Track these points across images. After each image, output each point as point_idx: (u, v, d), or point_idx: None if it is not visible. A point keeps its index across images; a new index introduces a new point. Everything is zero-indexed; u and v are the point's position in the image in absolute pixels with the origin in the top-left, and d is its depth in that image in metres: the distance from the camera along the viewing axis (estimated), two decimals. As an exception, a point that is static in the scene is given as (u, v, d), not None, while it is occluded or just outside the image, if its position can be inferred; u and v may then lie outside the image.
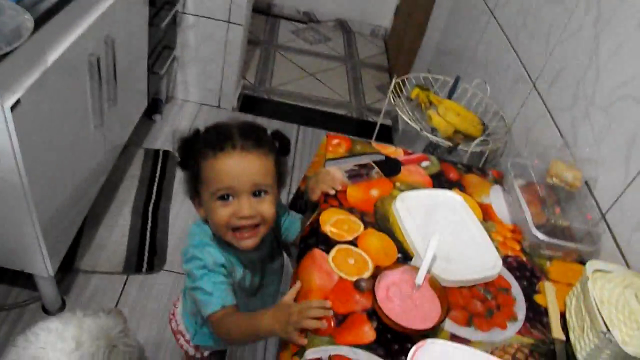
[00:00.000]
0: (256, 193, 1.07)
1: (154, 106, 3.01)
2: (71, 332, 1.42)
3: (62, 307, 2.01)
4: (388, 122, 3.21)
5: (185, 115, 3.16)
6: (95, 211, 2.35)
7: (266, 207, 1.08)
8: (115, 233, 2.33)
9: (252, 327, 1.04)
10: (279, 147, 1.15)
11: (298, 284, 1.07)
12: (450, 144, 1.72)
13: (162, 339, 1.98)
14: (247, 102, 3.41)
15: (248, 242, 1.10)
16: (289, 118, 3.33)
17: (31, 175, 1.50)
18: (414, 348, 0.78)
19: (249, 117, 3.25)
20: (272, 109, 3.42)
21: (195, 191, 1.13)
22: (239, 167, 1.05)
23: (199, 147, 1.08)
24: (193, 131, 1.13)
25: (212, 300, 1.07)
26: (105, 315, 1.50)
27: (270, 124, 3.29)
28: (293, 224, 1.32)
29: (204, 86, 3.18)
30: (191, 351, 1.42)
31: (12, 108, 1.35)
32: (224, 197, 1.06)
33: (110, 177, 2.36)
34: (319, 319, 0.96)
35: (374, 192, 1.31)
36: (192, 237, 1.15)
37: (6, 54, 1.27)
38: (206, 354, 1.43)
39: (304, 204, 1.39)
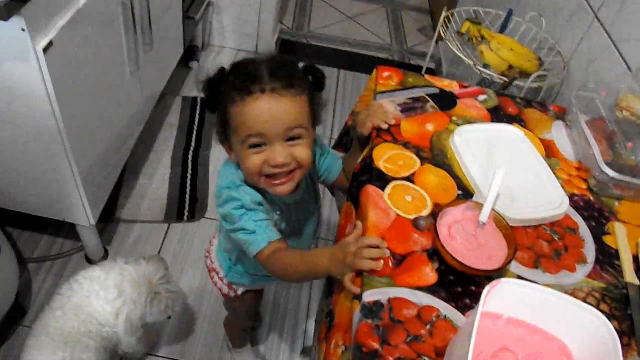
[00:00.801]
0: (290, 137, 0.99)
1: (191, 53, 2.94)
2: (113, 279, 1.42)
3: (105, 257, 2.01)
4: (431, 65, 3.07)
5: (222, 61, 3.08)
6: (134, 160, 2.32)
7: (301, 151, 1.00)
8: (155, 182, 2.30)
9: (309, 266, 0.99)
10: (312, 83, 1.05)
11: (359, 225, 0.99)
12: (505, 79, 1.61)
13: (205, 287, 1.96)
14: (285, 47, 3.32)
15: (283, 188, 1.03)
16: (329, 62, 3.23)
17: (67, 120, 1.46)
18: (487, 287, 0.70)
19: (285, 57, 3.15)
20: (311, 53, 3.33)
21: (224, 136, 1.05)
22: (270, 111, 0.96)
23: (225, 89, 1.00)
24: (217, 70, 1.03)
25: (256, 238, 1.02)
26: (146, 262, 1.49)
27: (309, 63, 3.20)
28: (333, 164, 1.24)
29: (240, 31, 3.09)
30: (225, 289, 1.39)
31: (45, 50, 1.29)
32: (255, 145, 0.98)
33: (148, 126, 2.31)
34: (375, 259, 0.90)
35: (429, 126, 1.22)
36: (223, 178, 1.08)
37: (35, -7, 1.21)
38: (240, 292, 1.39)
39: (350, 140, 1.31)
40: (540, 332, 0.79)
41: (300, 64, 1.06)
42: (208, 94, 1.04)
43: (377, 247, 0.91)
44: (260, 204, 1.04)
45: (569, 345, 0.78)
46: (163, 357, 1.79)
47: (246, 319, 1.72)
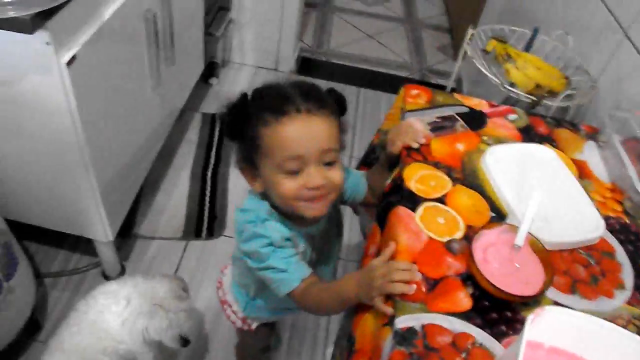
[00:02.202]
0: (325, 162, 0.94)
1: (211, 69, 2.94)
2: (124, 292, 1.39)
3: (122, 273, 1.98)
4: (448, 83, 3.05)
5: (242, 78, 3.07)
6: (153, 176, 2.30)
7: (335, 174, 0.96)
8: (174, 198, 2.28)
9: (337, 294, 0.95)
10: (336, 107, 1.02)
11: (392, 245, 0.95)
12: (532, 98, 1.58)
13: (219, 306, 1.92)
14: (305, 65, 3.30)
15: (320, 209, 0.98)
16: (349, 80, 3.20)
17: (89, 135, 1.44)
18: (531, 316, 0.67)
19: (307, 80, 3.14)
20: (331, 71, 3.31)
21: (250, 162, 0.99)
22: (307, 132, 0.91)
23: (254, 112, 0.95)
24: (240, 95, 0.98)
25: (288, 277, 0.98)
26: (160, 278, 1.46)
27: (329, 86, 3.19)
28: (358, 183, 1.20)
29: (260, 48, 3.09)
30: (238, 323, 1.34)
31: (69, 64, 1.28)
32: (291, 172, 0.93)
33: (167, 142, 2.30)
34: (406, 282, 0.87)
35: (460, 146, 1.19)
36: (246, 213, 1.03)
37: (61, 6, 1.20)
38: (254, 326, 1.35)
39: (376, 158, 1.28)
40: (583, 362, 0.75)
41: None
42: (230, 120, 0.99)
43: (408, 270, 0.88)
44: (288, 239, 1.00)
45: (613, 376, 0.74)
46: (179, 376, 1.75)
47: (257, 352, 1.68)
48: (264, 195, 1.02)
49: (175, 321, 1.41)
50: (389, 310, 0.86)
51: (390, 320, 0.86)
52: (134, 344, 1.39)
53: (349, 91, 3.13)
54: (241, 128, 0.97)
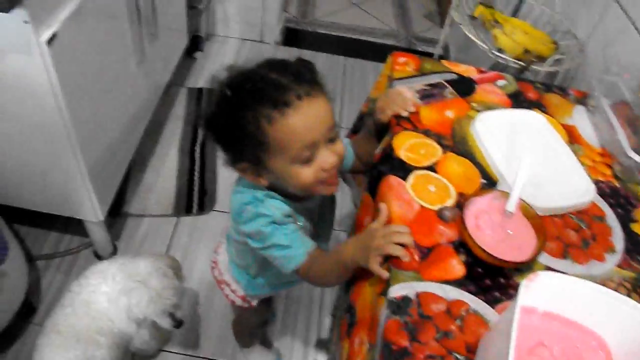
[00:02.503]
0: (330, 136, 0.92)
1: (195, 44, 2.90)
2: (112, 271, 1.39)
3: (114, 252, 1.98)
4: (436, 50, 3.03)
5: (227, 51, 3.04)
6: (141, 154, 2.29)
7: (340, 146, 0.95)
8: (163, 175, 2.27)
9: (337, 261, 0.95)
10: None
11: (384, 210, 0.95)
12: (521, 64, 1.57)
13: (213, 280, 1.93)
14: (290, 36, 3.26)
15: (334, 186, 0.97)
16: (335, 50, 3.18)
17: (73, 114, 1.42)
18: (525, 282, 0.67)
19: (293, 51, 3.11)
20: (317, 42, 3.27)
21: (253, 162, 0.94)
22: (313, 117, 0.88)
23: (247, 109, 0.88)
24: (219, 95, 0.91)
25: (293, 253, 0.96)
26: (146, 256, 1.45)
27: (316, 57, 3.19)
28: (346, 152, 1.15)
29: (244, 20, 3.05)
30: (238, 301, 1.34)
31: (49, 42, 1.26)
32: (306, 160, 0.90)
33: (154, 119, 2.28)
34: (402, 246, 0.87)
35: (450, 113, 1.18)
36: (242, 195, 1.00)
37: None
38: (255, 302, 1.35)
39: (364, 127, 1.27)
40: (577, 326, 0.76)
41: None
42: (216, 125, 0.94)
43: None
44: (289, 215, 0.98)
45: (607, 339, 0.75)
46: (176, 353, 1.76)
47: (256, 325, 1.69)
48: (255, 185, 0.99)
49: (157, 297, 1.40)
50: (385, 273, 0.85)
51: (384, 290, 0.86)
52: (121, 323, 1.39)
53: (335, 61, 3.11)
54: (232, 130, 0.91)
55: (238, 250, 1.21)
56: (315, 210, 1.10)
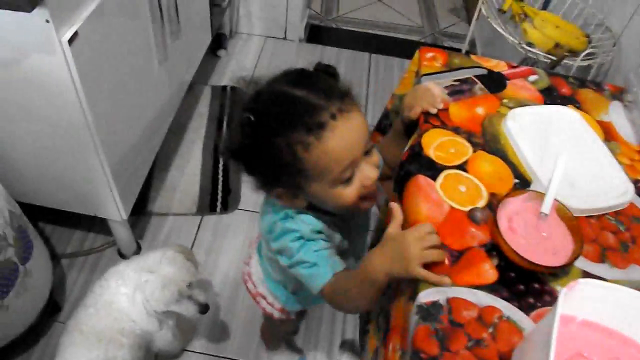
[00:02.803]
0: (367, 149, 0.87)
1: (218, 41, 2.89)
2: (128, 272, 1.38)
3: (138, 251, 1.97)
4: (463, 46, 2.97)
5: (250, 49, 3.02)
6: (164, 152, 2.27)
7: (376, 157, 0.90)
8: (187, 174, 2.26)
9: (364, 279, 0.86)
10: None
11: (398, 210, 0.89)
12: (552, 58, 1.52)
13: (240, 280, 1.90)
14: (314, 33, 3.22)
15: (374, 200, 0.93)
16: (360, 47, 3.13)
17: (96, 113, 1.41)
18: (564, 290, 0.63)
19: (317, 48, 3.08)
20: (341, 38, 3.23)
21: (289, 187, 0.89)
22: (350, 136, 0.83)
23: (278, 136, 0.81)
24: (244, 122, 0.84)
25: (319, 272, 0.91)
26: (156, 250, 1.43)
27: (341, 54, 3.16)
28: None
29: (268, 17, 3.02)
30: (276, 314, 1.29)
31: (70, 41, 1.24)
32: (348, 179, 0.86)
33: (178, 117, 2.27)
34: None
35: (480, 110, 1.14)
36: (273, 214, 0.96)
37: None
38: (292, 315, 1.32)
39: (389, 124, 1.23)
40: (617, 335, 0.72)
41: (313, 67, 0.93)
42: (244, 154, 0.88)
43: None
44: (320, 232, 0.93)
45: (650, 350, 0.71)
46: (199, 353, 1.75)
47: (287, 333, 1.66)
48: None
49: (169, 282, 1.36)
50: (446, 280, 0.81)
51: (413, 295, 0.82)
52: (143, 321, 1.37)
53: (360, 57, 3.07)
54: (264, 159, 0.85)
55: (273, 267, 1.17)
56: (349, 222, 1.04)
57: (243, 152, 0.88)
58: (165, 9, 1.79)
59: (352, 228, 1.05)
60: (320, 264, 0.90)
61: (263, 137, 0.83)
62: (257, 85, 0.87)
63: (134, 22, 1.63)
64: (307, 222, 0.92)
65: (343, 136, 0.81)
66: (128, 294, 1.36)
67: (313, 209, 0.93)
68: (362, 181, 0.87)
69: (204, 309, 1.43)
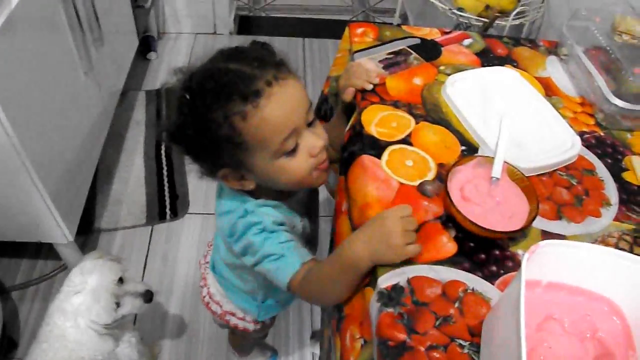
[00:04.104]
0: (309, 119, 0.84)
1: (147, 44, 2.79)
2: (64, 302, 1.30)
3: (91, 271, 1.88)
4: (394, 20, 2.96)
5: (181, 48, 2.93)
6: (105, 165, 2.20)
7: (321, 129, 0.86)
8: (131, 184, 2.18)
9: (348, 267, 0.80)
10: None
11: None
12: (485, 20, 1.51)
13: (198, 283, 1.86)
14: (245, 24, 3.17)
15: (326, 173, 0.88)
16: (292, 32, 3.09)
17: (21, 134, 1.33)
18: (526, 255, 0.61)
19: (249, 39, 3.00)
20: (272, 26, 3.18)
21: (233, 165, 0.85)
22: (289, 101, 0.79)
23: (215, 109, 0.78)
24: (178, 100, 0.81)
25: (287, 262, 0.86)
26: (79, 267, 1.34)
27: (272, 42, 3.05)
28: None
29: (195, 14, 2.94)
30: (251, 327, 1.24)
31: (-19, 61, 1.16)
32: (291, 151, 0.82)
33: (114, 127, 2.19)
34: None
35: (417, 81, 1.11)
36: (230, 214, 0.91)
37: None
38: (268, 321, 1.27)
39: (330, 108, 1.20)
40: (584, 292, 0.70)
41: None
42: (184, 134, 0.82)
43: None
44: (282, 223, 0.89)
45: (619, 303, 0.69)
46: (168, 366, 1.69)
47: (258, 338, 1.61)
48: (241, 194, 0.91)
49: (98, 287, 1.28)
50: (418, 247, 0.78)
51: (371, 281, 0.79)
52: (98, 345, 1.30)
53: (293, 43, 3.03)
54: (203, 137, 0.81)
55: (238, 276, 1.12)
56: (306, 201, 1.01)
57: (182, 133, 0.83)
58: (83, 16, 1.71)
59: (308, 200, 1.02)
60: (286, 254, 0.86)
61: (200, 113, 0.79)
62: (191, 67, 0.83)
63: (51, 33, 1.54)
64: (268, 214, 0.88)
65: (281, 102, 0.78)
66: (73, 325, 1.28)
67: (265, 193, 0.90)
68: (308, 151, 0.83)
69: (148, 296, 1.36)
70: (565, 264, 0.68)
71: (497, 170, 0.86)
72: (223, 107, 0.77)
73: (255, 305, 1.18)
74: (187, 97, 0.80)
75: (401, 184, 0.91)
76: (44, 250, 1.91)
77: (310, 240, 1.07)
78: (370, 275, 0.80)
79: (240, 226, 0.89)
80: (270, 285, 0.94)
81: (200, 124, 0.80)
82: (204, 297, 1.26)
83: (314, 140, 0.83)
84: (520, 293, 0.57)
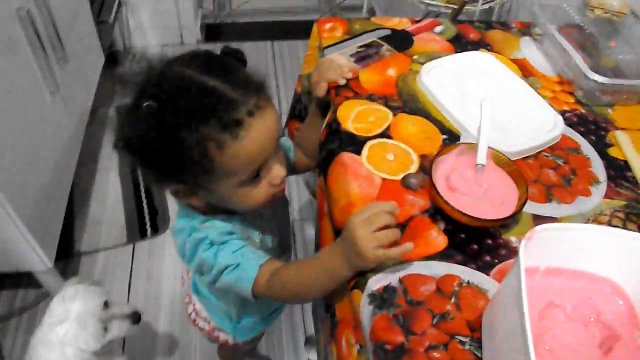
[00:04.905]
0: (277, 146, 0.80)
1: (114, 60, 2.73)
2: (47, 334, 1.25)
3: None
4: (362, 15, 2.94)
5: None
6: (80, 186, 2.14)
7: (282, 154, 0.83)
8: (109, 204, 2.13)
9: (331, 275, 0.77)
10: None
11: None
12: (454, 7, 1.49)
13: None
14: (212, 31, 3.12)
15: (280, 193, 0.85)
16: (260, 37, 3.06)
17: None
18: (523, 242, 0.58)
19: (217, 46, 2.96)
20: (240, 32, 3.14)
21: (190, 184, 0.79)
22: (265, 133, 0.74)
23: (189, 130, 0.70)
24: (146, 109, 0.70)
25: (244, 269, 0.81)
26: (60, 295, 1.30)
27: (241, 47, 3.02)
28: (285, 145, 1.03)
29: (160, 25, 2.89)
30: (240, 343, 1.20)
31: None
32: (256, 177, 0.78)
33: (86, 147, 2.13)
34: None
35: (391, 72, 1.09)
36: (181, 233, 0.87)
37: None
38: (249, 342, 1.23)
39: (304, 108, 1.16)
40: (584, 275, 0.67)
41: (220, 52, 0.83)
42: (144, 149, 0.74)
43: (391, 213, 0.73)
44: (231, 232, 0.84)
45: (620, 282, 0.67)
46: (160, 385, 1.65)
47: (247, 352, 1.57)
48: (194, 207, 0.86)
49: (84, 314, 1.24)
50: (409, 244, 0.72)
51: (357, 283, 0.75)
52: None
53: (262, 47, 3.00)
54: (166, 155, 0.73)
55: (210, 299, 1.08)
56: (269, 214, 0.95)
57: (141, 144, 0.74)
58: (44, 35, 1.66)
59: (275, 219, 0.98)
60: (242, 262, 0.81)
61: (168, 129, 0.71)
62: (151, 62, 0.77)
63: (10, 56, 1.49)
64: (214, 227, 0.83)
65: (258, 135, 0.73)
66: (59, 356, 1.23)
67: (215, 210, 0.85)
68: (270, 181, 0.79)
69: (136, 317, 1.32)
70: (562, 248, 0.65)
71: (481, 156, 0.84)
72: (197, 129, 0.71)
73: (231, 327, 1.13)
74: (155, 106, 0.71)
75: (384, 179, 0.88)
76: (24, 279, 1.84)
77: (282, 251, 1.03)
78: (355, 277, 0.76)
79: (189, 245, 0.84)
80: (244, 303, 0.90)
81: (167, 140, 0.72)
82: (190, 314, 1.21)
83: (278, 170, 0.79)
84: (520, 282, 0.55)
